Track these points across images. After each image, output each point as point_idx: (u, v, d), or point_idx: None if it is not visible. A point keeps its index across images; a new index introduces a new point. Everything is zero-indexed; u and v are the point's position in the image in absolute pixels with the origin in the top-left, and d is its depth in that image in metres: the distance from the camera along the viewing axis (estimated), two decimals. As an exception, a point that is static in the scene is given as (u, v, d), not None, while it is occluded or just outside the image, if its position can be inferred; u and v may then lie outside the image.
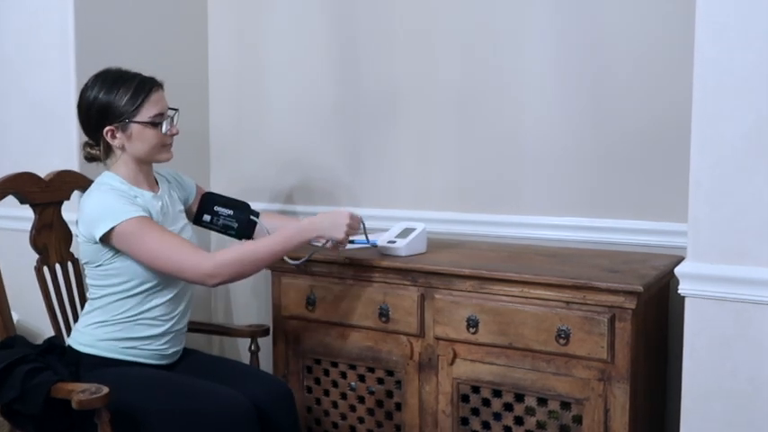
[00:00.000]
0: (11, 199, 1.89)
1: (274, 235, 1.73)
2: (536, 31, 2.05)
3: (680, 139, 1.82)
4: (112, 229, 1.67)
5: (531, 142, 2.09)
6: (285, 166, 2.49)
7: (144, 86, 1.73)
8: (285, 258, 1.88)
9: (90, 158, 1.82)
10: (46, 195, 1.94)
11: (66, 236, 2.01)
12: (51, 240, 1.96)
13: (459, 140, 2.20)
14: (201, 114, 2.62)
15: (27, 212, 1.96)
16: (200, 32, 2.59)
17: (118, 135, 1.74)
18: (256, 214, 1.92)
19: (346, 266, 1.90)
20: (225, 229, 1.93)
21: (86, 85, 1.76)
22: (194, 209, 1.96)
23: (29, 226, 1.94)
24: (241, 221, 1.91)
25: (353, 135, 2.37)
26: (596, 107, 2.00)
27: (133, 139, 1.75)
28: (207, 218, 1.93)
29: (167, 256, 1.67)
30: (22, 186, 1.88)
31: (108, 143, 1.76)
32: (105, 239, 1.69)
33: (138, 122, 1.73)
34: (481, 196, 2.18)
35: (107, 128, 1.73)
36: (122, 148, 1.76)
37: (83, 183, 2.04)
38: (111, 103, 1.71)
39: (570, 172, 2.05)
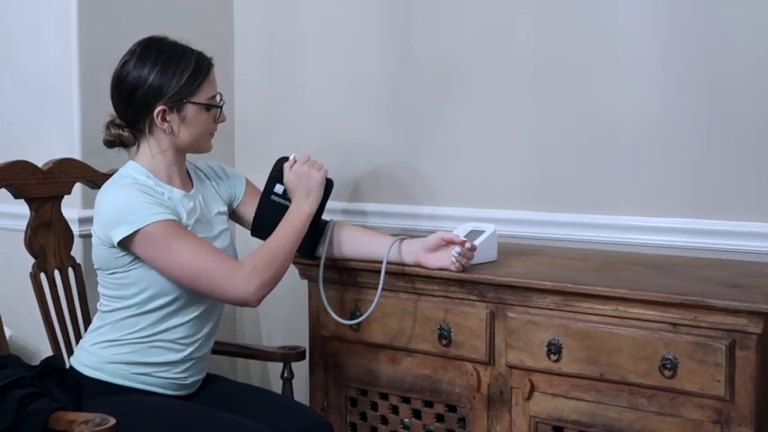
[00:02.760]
0: (2, 193, 1.94)
1: (283, 225, 1.82)
2: (637, -15, 2.05)
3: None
4: (135, 232, 1.70)
5: (628, 125, 2.08)
6: (323, 158, 2.44)
7: (204, 63, 1.82)
8: (337, 318, 1.91)
9: (114, 143, 1.85)
10: (44, 188, 1.97)
11: (67, 236, 2.05)
12: (49, 242, 1.99)
13: (536, 123, 2.19)
14: (224, 97, 2.63)
15: (21, 209, 2.00)
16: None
17: (169, 117, 1.80)
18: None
19: (399, 276, 1.91)
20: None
21: (131, 58, 1.80)
22: (243, 211, 1.99)
23: (23, 225, 1.98)
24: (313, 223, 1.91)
25: (405, 119, 2.39)
26: (712, 83, 1.97)
27: (186, 123, 1.81)
28: (279, 190, 1.94)
29: (200, 270, 1.70)
30: (17, 177, 1.92)
31: (152, 126, 1.80)
32: (124, 244, 1.72)
33: (196, 103, 1.80)
34: (565, 192, 2.17)
35: (159, 107, 1.78)
36: (171, 133, 1.81)
37: (87, 173, 2.09)
38: (169, 79, 1.77)
39: (678, 163, 2.03)
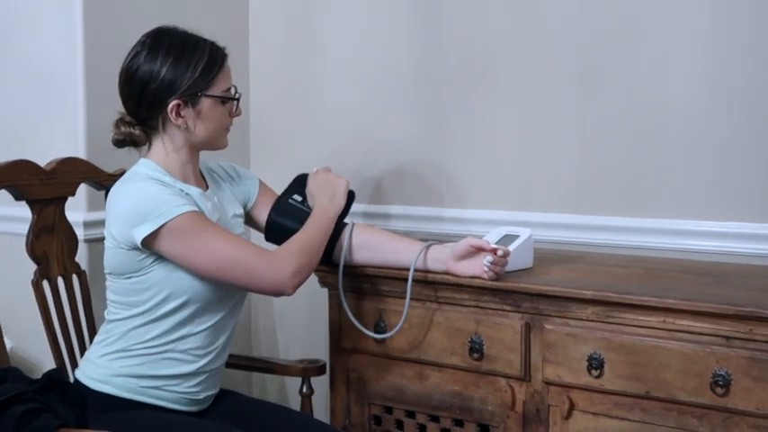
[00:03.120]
0: (2, 195, 1.94)
1: (310, 222, 1.87)
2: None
3: None
4: (160, 227, 1.71)
5: (677, 120, 2.07)
6: (345, 155, 2.51)
7: (218, 53, 1.83)
8: (364, 330, 1.93)
9: (125, 142, 1.85)
10: (47, 190, 1.98)
11: (71, 241, 2.06)
12: (52, 247, 2.00)
13: (576, 117, 2.19)
14: (242, 86, 2.62)
15: (22, 211, 2.01)
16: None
17: (183, 112, 1.81)
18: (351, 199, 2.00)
19: (425, 284, 1.91)
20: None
21: (141, 50, 1.81)
22: (257, 213, 2.00)
23: (24, 229, 1.98)
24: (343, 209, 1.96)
25: (433, 113, 2.38)
26: (769, 75, 1.96)
27: (202, 118, 1.82)
28: (298, 198, 1.97)
29: (235, 257, 1.73)
30: (18, 178, 1.93)
31: (165, 122, 1.81)
32: (147, 242, 1.72)
33: (212, 96, 1.81)
34: (607, 193, 2.16)
35: (173, 102, 1.79)
36: (186, 129, 1.82)
37: (93, 174, 2.09)
38: (183, 72, 1.78)
39: (730, 161, 2.01)
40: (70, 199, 2.06)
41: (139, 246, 1.73)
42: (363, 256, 1.95)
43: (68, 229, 2.05)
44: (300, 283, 1.78)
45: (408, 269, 1.87)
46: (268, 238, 2.00)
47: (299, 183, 2.00)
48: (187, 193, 1.81)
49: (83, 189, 2.15)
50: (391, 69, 2.43)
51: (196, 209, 1.75)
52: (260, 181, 2.04)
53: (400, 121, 2.43)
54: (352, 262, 1.96)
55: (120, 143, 1.86)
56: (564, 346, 1.76)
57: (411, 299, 1.88)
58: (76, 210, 2.17)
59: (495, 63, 2.27)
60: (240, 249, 1.75)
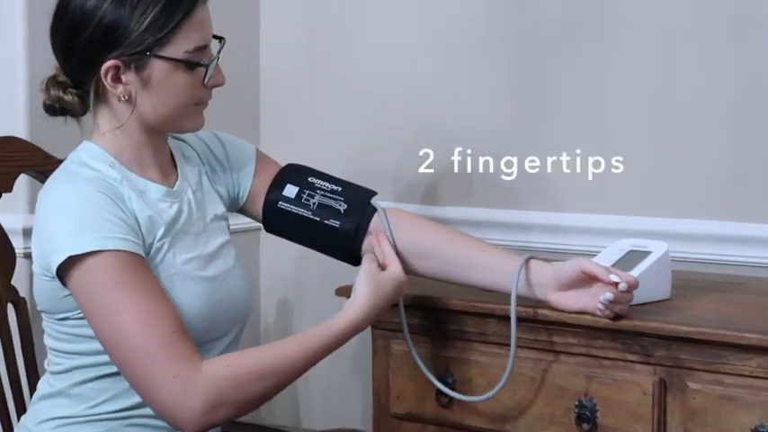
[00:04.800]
0: None
1: (312, 334, 1.79)
2: None
3: None
4: (71, 259, 1.69)
5: None
6: (388, 133, 2.55)
7: None
8: (447, 390, 1.92)
9: (56, 109, 1.84)
10: (-28, 182, 2.02)
11: (6, 256, 2.07)
12: (-21, 263, 2.02)
13: (728, 91, 2.19)
14: (247, 45, 2.69)
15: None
16: None
17: (125, 77, 1.77)
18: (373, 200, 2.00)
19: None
20: (321, 216, 1.96)
21: None
22: (254, 207, 2.01)
23: (-58, 237, 2.01)
24: (353, 203, 1.96)
25: (518, 80, 2.41)
26: None
27: (152, 87, 1.79)
28: (292, 191, 1.97)
29: (135, 349, 1.67)
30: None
31: (103, 89, 1.79)
32: (63, 275, 1.71)
33: (166, 58, 1.77)
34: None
35: (109, 62, 1.76)
36: (128, 101, 1.79)
37: (36, 160, 2.09)
38: (125, 18, 1.75)
39: None
40: (5, 196, 2.06)
41: (56, 276, 1.71)
42: (423, 267, 1.95)
43: (2, 239, 2.06)
44: (215, 425, 1.72)
45: (496, 291, 1.86)
46: (269, 229, 2.04)
47: (300, 170, 2.01)
48: (142, 192, 1.80)
49: (23, 182, 2.16)
50: (460, 25, 2.46)
51: (133, 249, 1.71)
52: (257, 157, 2.03)
53: (469, 96, 2.45)
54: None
55: (50, 110, 1.85)
56: (716, 414, 1.73)
57: (490, 342, 1.91)
58: (13, 211, 2.18)
59: (609, 18, 2.30)
60: (149, 341, 1.67)
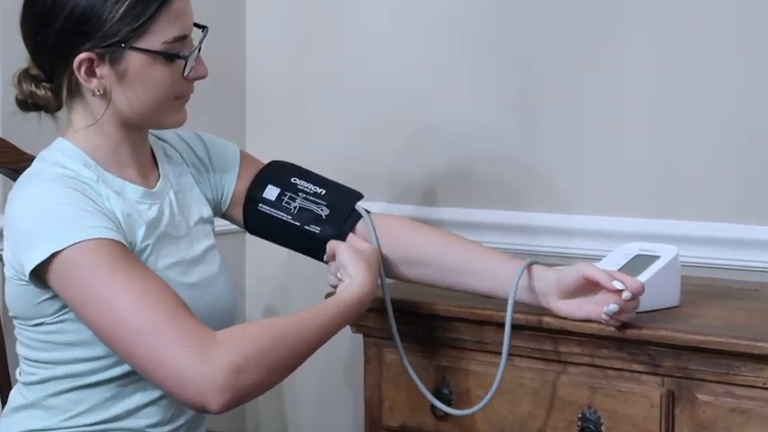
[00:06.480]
0: None
1: (323, 305, 1.79)
2: None
3: None
4: (54, 255, 1.66)
5: None
6: (383, 131, 2.57)
7: None
8: (440, 405, 1.90)
9: (29, 105, 1.83)
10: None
11: None
12: (-53, 267, 1.99)
13: (741, 83, 2.18)
14: (232, 34, 2.71)
15: None
16: None
17: (99, 70, 1.75)
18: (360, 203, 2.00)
19: (517, 329, 1.86)
20: (302, 221, 1.95)
21: None
22: (237, 212, 2.01)
23: None
24: (336, 208, 1.95)
25: (525, 71, 2.41)
26: None
27: (128, 81, 1.77)
28: (273, 193, 1.95)
29: (141, 329, 1.63)
30: None
31: (77, 83, 1.77)
32: (41, 275, 1.68)
33: (143, 50, 1.75)
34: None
35: (82, 54, 1.73)
36: (103, 96, 1.77)
37: (9, 157, 2.08)
38: (99, 7, 1.73)
39: None
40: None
41: (30, 279, 1.69)
42: (416, 274, 1.94)
43: (-30, 240, 2.03)
44: (239, 400, 1.65)
45: (495, 298, 1.85)
46: (250, 230, 2.04)
47: (283, 169, 2.01)
48: (120, 193, 1.78)
49: (-7, 182, 2.15)
50: (456, 21, 2.46)
51: (115, 236, 1.69)
52: (241, 158, 2.02)
53: (471, 90, 2.46)
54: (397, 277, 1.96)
55: (23, 105, 1.84)
56: (727, 428, 1.72)
57: (488, 351, 1.90)
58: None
59: (617, 10, 2.30)
60: (154, 314, 1.64)
